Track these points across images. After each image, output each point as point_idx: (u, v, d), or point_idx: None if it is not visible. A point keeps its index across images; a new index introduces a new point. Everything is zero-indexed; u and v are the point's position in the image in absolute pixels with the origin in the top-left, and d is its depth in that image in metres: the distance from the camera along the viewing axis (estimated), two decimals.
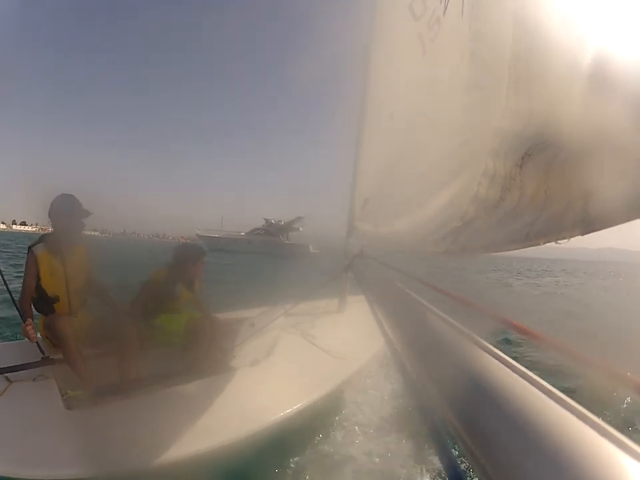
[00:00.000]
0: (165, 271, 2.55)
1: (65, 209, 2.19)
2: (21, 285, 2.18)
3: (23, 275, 2.19)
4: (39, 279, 2.14)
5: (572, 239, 0.49)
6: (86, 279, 2.32)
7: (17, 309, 2.08)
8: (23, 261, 2.31)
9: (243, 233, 41.77)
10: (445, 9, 1.30)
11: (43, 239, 2.24)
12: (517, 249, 0.61)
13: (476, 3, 1.00)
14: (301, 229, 42.07)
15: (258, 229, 41.96)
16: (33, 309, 2.18)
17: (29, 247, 2.20)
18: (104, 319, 2.28)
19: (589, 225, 0.46)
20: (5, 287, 2.14)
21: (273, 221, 42.33)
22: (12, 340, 3.05)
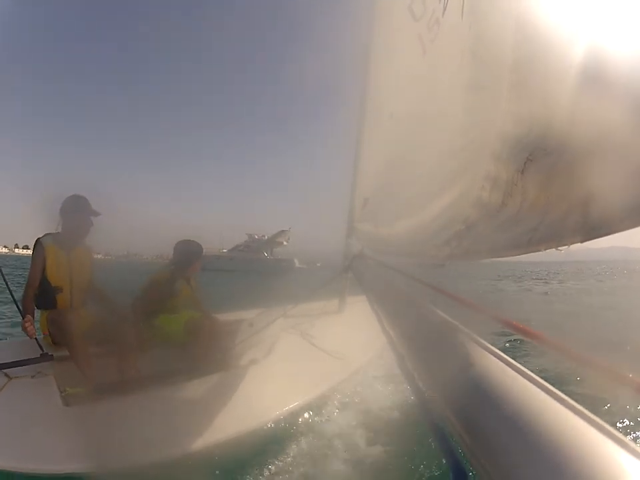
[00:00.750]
0: (167, 271, 2.55)
1: (75, 208, 2.30)
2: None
3: None
4: (43, 269, 2.20)
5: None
6: (88, 279, 2.38)
7: (17, 305, 2.11)
8: None
9: (225, 250, 39.78)
10: (444, 9, 1.30)
11: (50, 234, 2.30)
12: (520, 254, 0.61)
13: (476, 4, 1.00)
14: (285, 243, 39.68)
15: (240, 245, 39.70)
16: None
17: (37, 240, 2.27)
18: (104, 319, 2.30)
19: (589, 232, 0.46)
20: (5, 289, 2.16)
21: (256, 236, 39.86)
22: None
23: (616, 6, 0.55)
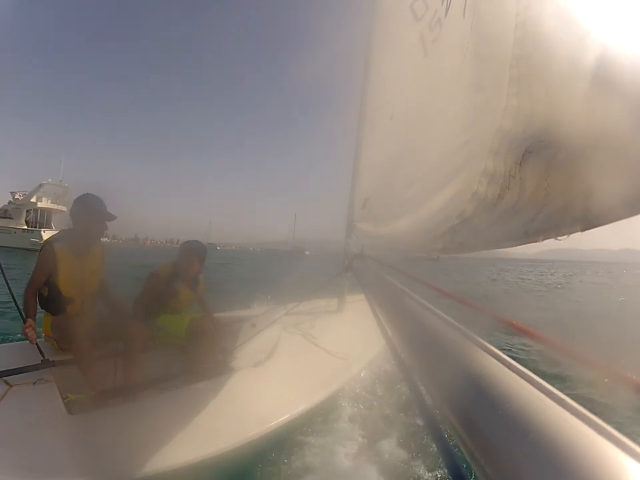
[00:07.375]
0: (168, 268, 2.53)
1: (86, 210, 2.12)
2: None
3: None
4: (52, 276, 2.06)
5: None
6: (99, 282, 2.26)
7: (18, 308, 2.01)
8: None
9: None
10: (447, 9, 1.30)
11: (61, 235, 2.15)
12: (515, 245, 0.61)
13: (478, 4, 1.00)
14: (57, 205, 27.19)
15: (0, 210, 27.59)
16: (39, 307, 2.09)
17: (46, 241, 2.12)
18: (109, 319, 2.23)
19: (589, 221, 0.46)
20: (6, 288, 2.10)
21: (18, 196, 27.12)
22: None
23: (614, 2, 0.55)
